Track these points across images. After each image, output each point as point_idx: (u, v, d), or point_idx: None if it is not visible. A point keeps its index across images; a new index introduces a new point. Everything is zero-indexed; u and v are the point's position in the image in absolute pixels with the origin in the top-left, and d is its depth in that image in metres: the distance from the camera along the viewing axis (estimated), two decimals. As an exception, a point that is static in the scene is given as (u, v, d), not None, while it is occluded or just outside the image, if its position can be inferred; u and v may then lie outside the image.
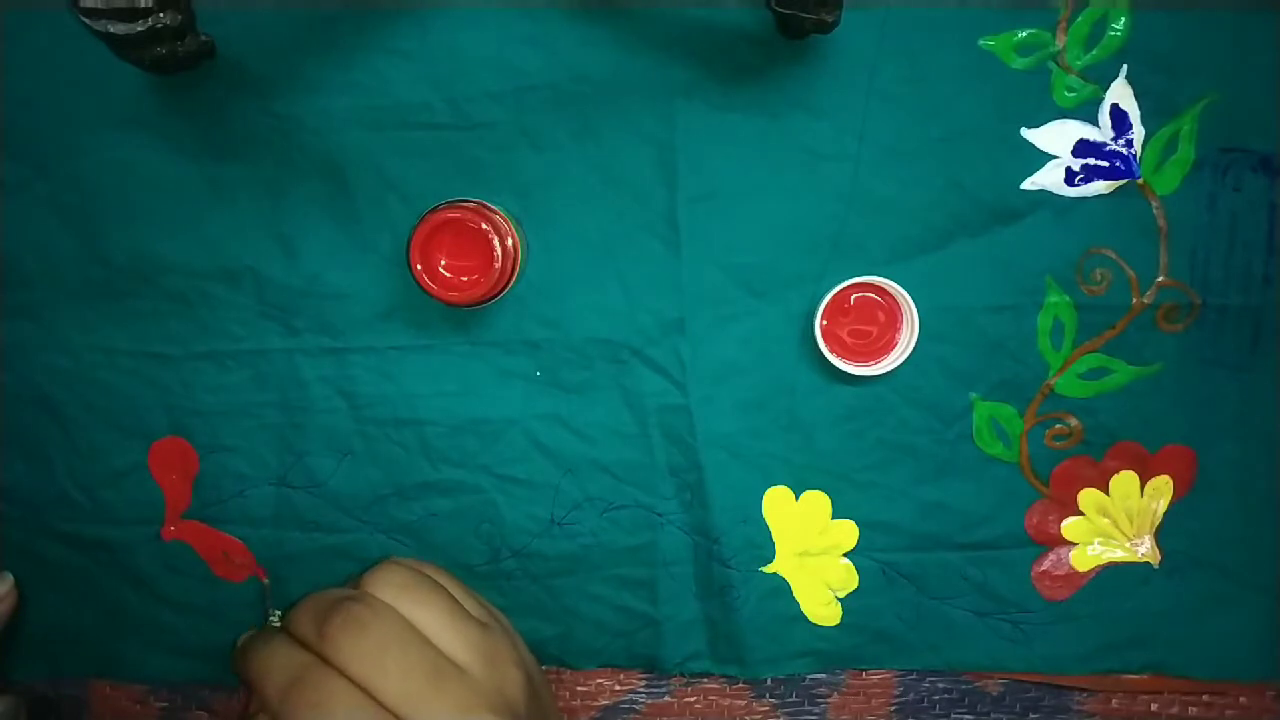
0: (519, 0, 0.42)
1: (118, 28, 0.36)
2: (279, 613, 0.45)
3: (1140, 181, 0.44)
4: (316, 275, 0.45)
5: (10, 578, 0.47)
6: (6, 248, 0.45)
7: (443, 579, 0.42)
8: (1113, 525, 0.47)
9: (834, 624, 0.47)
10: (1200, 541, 0.46)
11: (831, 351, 0.44)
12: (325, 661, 0.36)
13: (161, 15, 0.37)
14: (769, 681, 0.48)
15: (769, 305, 0.45)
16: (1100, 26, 0.42)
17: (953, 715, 0.48)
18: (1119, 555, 0.47)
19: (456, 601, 0.40)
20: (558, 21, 0.42)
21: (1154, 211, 0.44)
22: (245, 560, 0.47)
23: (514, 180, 0.44)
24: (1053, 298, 0.44)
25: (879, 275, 0.43)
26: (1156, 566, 0.47)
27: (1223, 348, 0.45)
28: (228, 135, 0.44)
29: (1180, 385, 0.45)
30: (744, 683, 0.48)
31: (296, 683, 0.36)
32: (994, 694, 0.48)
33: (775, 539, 0.47)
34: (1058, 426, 0.46)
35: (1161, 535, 0.47)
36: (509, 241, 0.41)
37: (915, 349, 0.43)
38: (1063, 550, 0.47)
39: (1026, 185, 0.44)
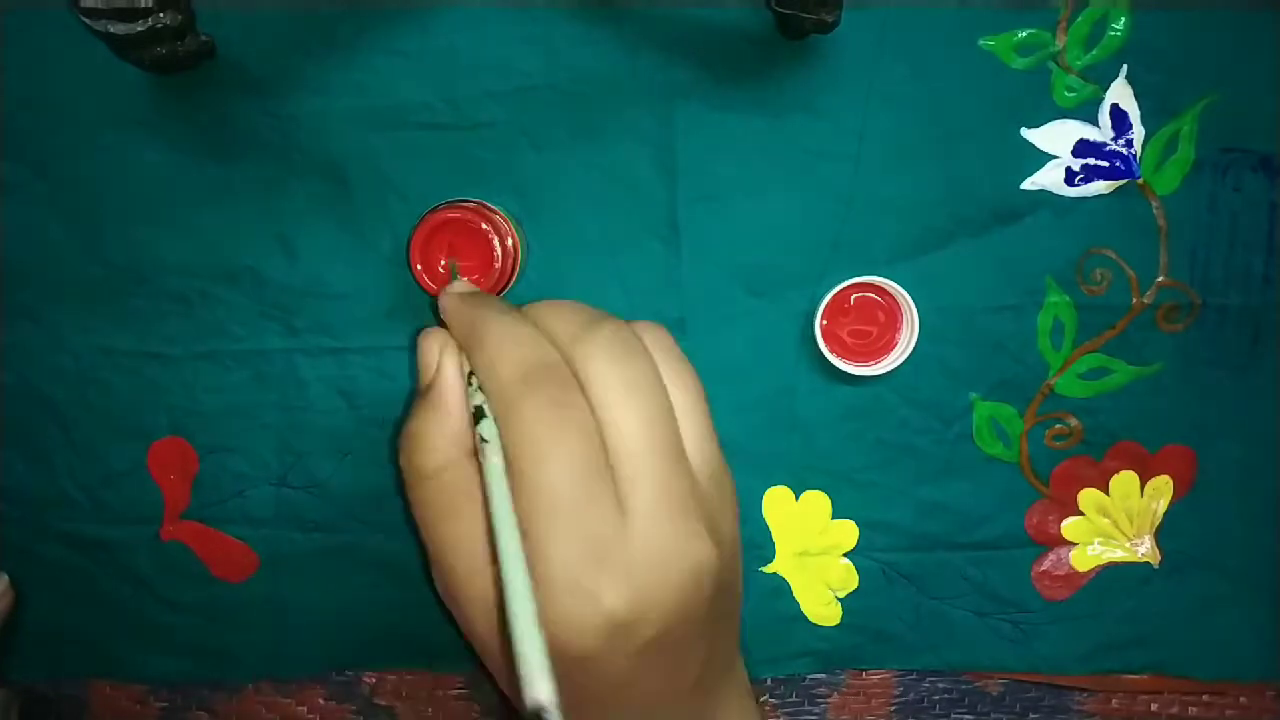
0: (519, 0, 0.42)
1: (118, 28, 0.36)
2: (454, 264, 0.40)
3: (1140, 181, 0.44)
4: (316, 275, 0.45)
5: (5, 577, 0.46)
6: (6, 248, 0.45)
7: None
8: (1113, 525, 0.47)
9: (834, 624, 0.47)
10: (1200, 541, 0.46)
11: (831, 351, 0.44)
12: (571, 366, 0.31)
13: (161, 15, 0.37)
14: (769, 681, 0.48)
15: (769, 305, 0.45)
16: (1100, 26, 0.42)
17: (953, 715, 0.48)
18: (1119, 555, 0.47)
19: (708, 406, 0.33)
20: (558, 21, 0.42)
21: (1154, 211, 0.44)
22: (246, 560, 0.47)
23: (514, 180, 0.44)
24: (1053, 298, 0.44)
25: (879, 275, 0.43)
26: (1156, 566, 0.47)
27: (1223, 348, 0.45)
28: (228, 135, 0.44)
29: (1180, 385, 0.45)
30: (744, 683, 0.48)
31: (545, 371, 0.30)
32: (994, 694, 0.48)
33: (775, 539, 0.47)
34: (1058, 426, 0.46)
35: (1161, 535, 0.47)
36: (509, 241, 0.41)
37: (915, 349, 0.43)
38: (1063, 550, 0.47)
39: (1026, 185, 0.44)
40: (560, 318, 0.32)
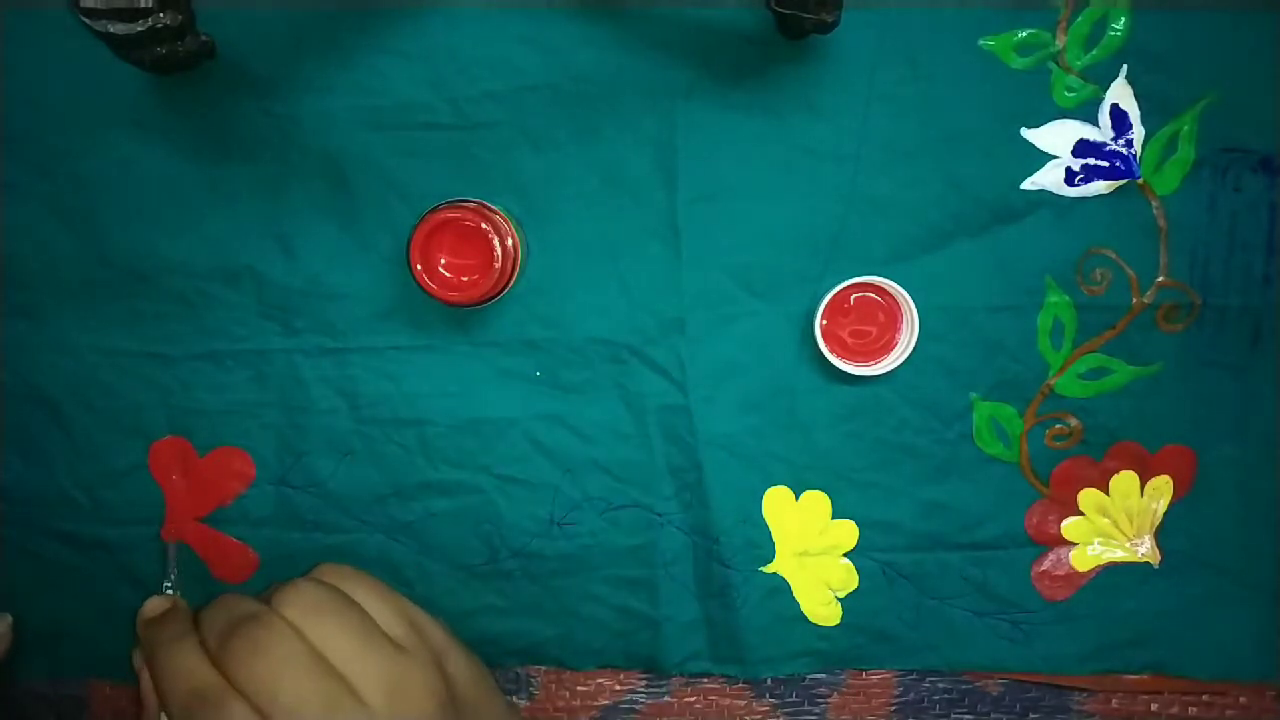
0: (519, 0, 0.42)
1: (118, 28, 0.36)
2: (171, 581, 0.46)
3: (1140, 181, 0.44)
4: (316, 275, 0.45)
5: (8, 618, 0.47)
6: (7, 248, 0.45)
7: (368, 595, 0.41)
8: (1113, 525, 0.47)
9: (834, 624, 0.47)
10: (1200, 541, 0.46)
11: (831, 351, 0.44)
12: (225, 677, 0.37)
13: (161, 15, 0.37)
14: (769, 681, 0.48)
15: (769, 305, 0.45)
16: (1100, 26, 0.42)
17: (953, 715, 0.48)
18: (1119, 555, 0.47)
19: (372, 624, 0.39)
20: (558, 21, 0.42)
21: (1154, 211, 0.44)
22: (246, 560, 0.47)
23: (514, 180, 0.44)
24: (1053, 298, 0.44)
25: (879, 275, 0.43)
26: (1156, 566, 0.47)
27: (1223, 348, 0.45)
28: (228, 135, 0.44)
29: (1180, 385, 0.45)
30: (744, 683, 0.48)
31: (198, 698, 0.36)
32: (994, 694, 0.48)
33: (775, 539, 0.47)
34: (1058, 426, 0.46)
35: (1161, 535, 0.47)
36: (509, 241, 0.41)
37: (915, 349, 0.43)
38: (1063, 550, 0.47)
39: (1026, 185, 0.44)
40: (211, 629, 0.38)
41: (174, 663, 0.38)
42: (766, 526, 0.46)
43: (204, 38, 0.41)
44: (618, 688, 0.49)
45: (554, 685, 0.48)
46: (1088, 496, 0.46)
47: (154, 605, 0.43)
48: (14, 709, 0.48)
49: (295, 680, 0.36)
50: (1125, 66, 0.43)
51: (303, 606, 0.38)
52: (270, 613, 0.38)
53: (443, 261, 0.41)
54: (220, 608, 0.39)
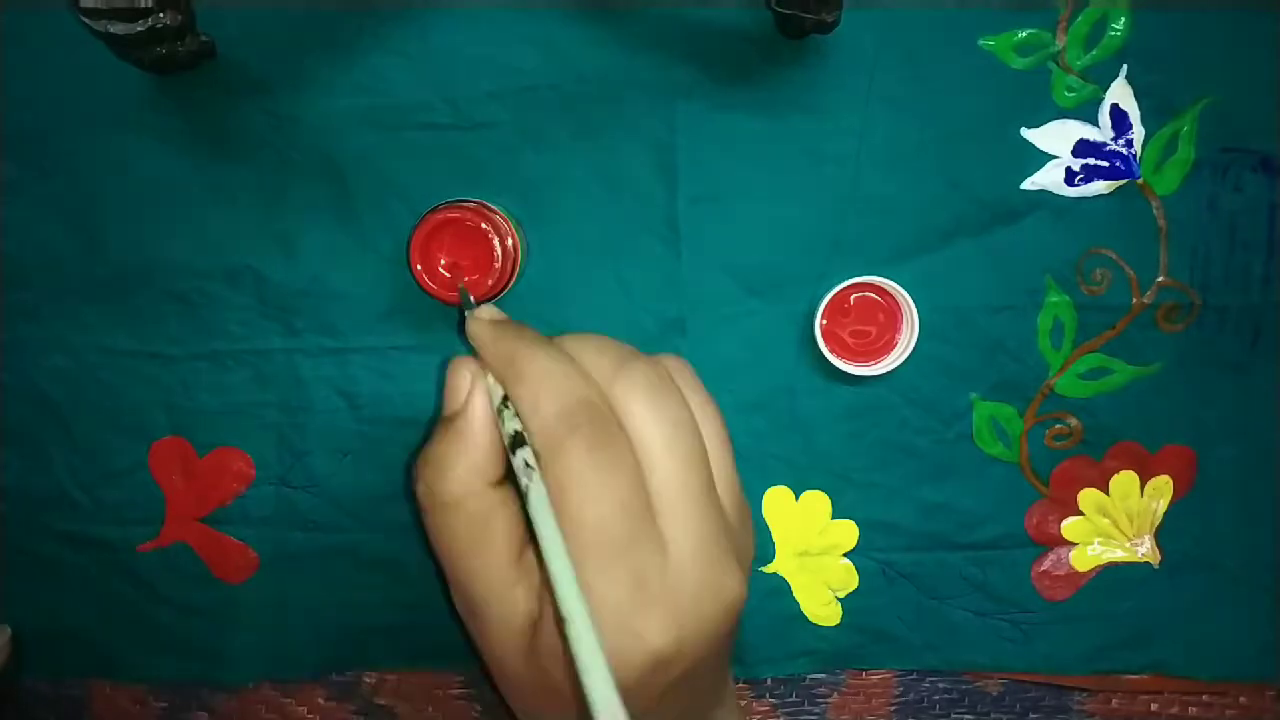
0: (519, 0, 0.42)
1: (118, 28, 0.36)
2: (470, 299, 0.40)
3: (1140, 181, 0.44)
4: (316, 275, 0.45)
5: (7, 630, 0.46)
6: (6, 248, 0.45)
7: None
8: (1113, 525, 0.47)
9: (834, 624, 0.47)
10: (1200, 541, 0.46)
11: (831, 351, 0.44)
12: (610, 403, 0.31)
13: (162, 15, 0.37)
14: (769, 681, 0.48)
15: (769, 305, 0.45)
16: (1100, 26, 0.42)
17: (953, 715, 0.48)
18: (1119, 555, 0.47)
19: (731, 444, 0.34)
20: (558, 21, 0.42)
21: (1154, 211, 0.44)
22: (246, 560, 0.47)
23: (514, 180, 0.44)
24: (1053, 298, 0.44)
25: (879, 275, 0.43)
26: (1156, 566, 0.47)
27: (1223, 348, 0.45)
28: (228, 135, 0.44)
29: (1180, 385, 0.45)
30: (744, 682, 0.48)
31: (588, 410, 0.30)
32: (994, 694, 0.48)
33: (775, 539, 0.47)
34: (1058, 426, 0.46)
35: (1161, 535, 0.47)
36: (509, 241, 0.41)
37: (915, 349, 0.43)
38: (1063, 550, 0.47)
39: (1026, 185, 0.44)
40: (595, 353, 0.32)
41: (556, 366, 0.31)
42: (766, 526, 0.46)
43: (204, 38, 0.41)
44: (618, 688, 0.49)
45: (554, 685, 0.48)
46: (1088, 496, 0.46)
47: (490, 310, 0.35)
48: (14, 709, 0.48)
49: (689, 443, 0.31)
50: (1125, 66, 0.43)
51: (689, 385, 0.33)
52: (659, 362, 0.33)
53: (443, 261, 0.41)
54: (591, 337, 0.34)
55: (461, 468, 0.31)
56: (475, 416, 0.32)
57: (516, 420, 0.31)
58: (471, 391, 0.32)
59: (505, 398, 0.32)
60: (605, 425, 0.30)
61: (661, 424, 0.31)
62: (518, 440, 0.31)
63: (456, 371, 0.33)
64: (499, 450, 0.32)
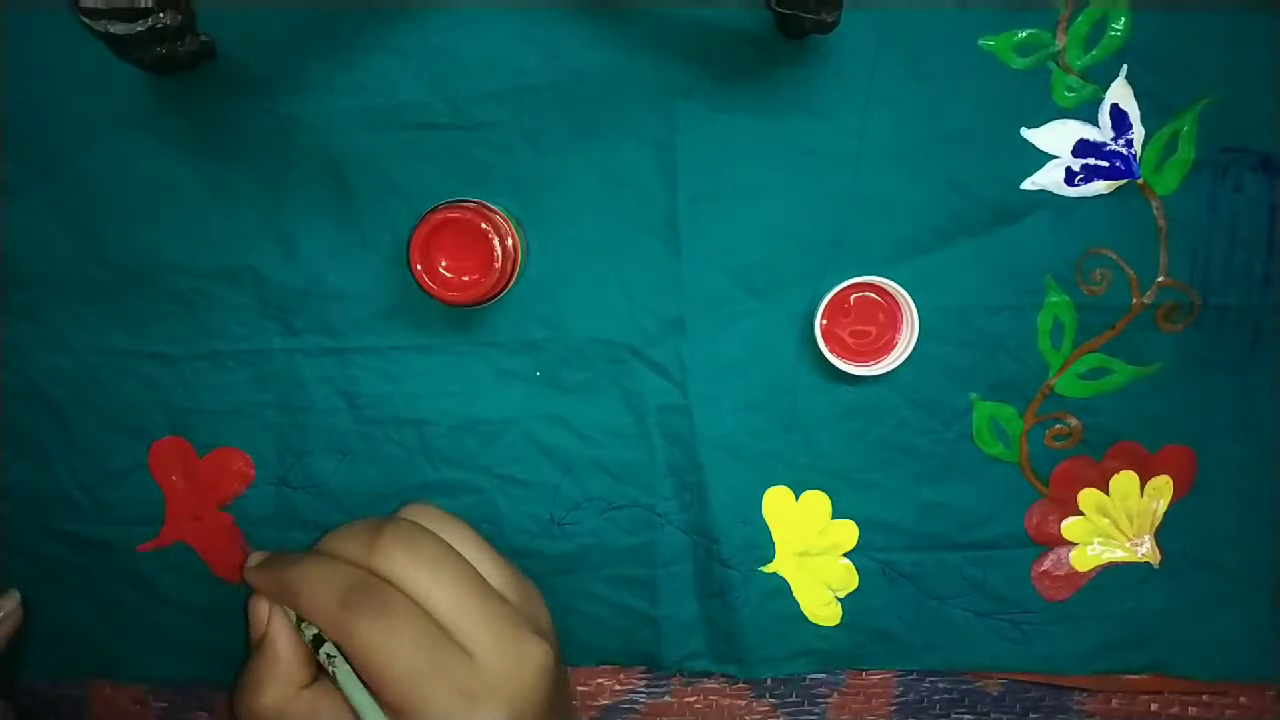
0: (519, 0, 0.42)
1: (118, 28, 0.36)
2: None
3: (1140, 181, 0.44)
4: (316, 275, 0.45)
5: (16, 595, 0.47)
6: (6, 248, 0.45)
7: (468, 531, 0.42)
8: (1113, 525, 0.47)
9: (834, 624, 0.47)
10: (1200, 541, 0.46)
11: (831, 351, 0.44)
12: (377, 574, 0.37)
13: (162, 15, 0.37)
14: (769, 681, 0.48)
15: (769, 305, 0.45)
16: (1100, 26, 0.42)
17: (953, 715, 0.48)
18: (1119, 555, 0.47)
19: (486, 542, 0.41)
20: (558, 21, 0.42)
21: (1154, 211, 0.44)
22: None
23: (514, 180, 0.44)
24: (1053, 298, 0.44)
25: (879, 275, 0.43)
26: (1156, 566, 0.47)
27: (1223, 348, 0.45)
28: (228, 135, 0.44)
29: (1180, 385, 0.45)
30: (744, 682, 0.48)
31: (357, 589, 0.36)
32: (994, 694, 0.48)
33: (775, 539, 0.47)
34: (1058, 426, 0.46)
35: (1161, 535, 0.47)
36: (509, 241, 0.41)
37: (915, 349, 0.43)
38: (1063, 550, 0.47)
39: (1026, 185, 0.44)
40: (347, 540, 0.38)
41: (314, 572, 0.37)
42: (766, 526, 0.46)
43: (204, 38, 0.41)
44: (618, 688, 0.49)
45: (554, 685, 0.48)
46: (1088, 496, 0.46)
47: (258, 554, 0.42)
48: (14, 709, 0.48)
49: (451, 567, 0.37)
50: (1125, 66, 0.43)
51: (430, 517, 0.40)
52: (401, 518, 0.39)
53: (443, 262, 0.41)
54: (344, 529, 0.39)
55: (276, 683, 0.38)
56: (277, 636, 0.38)
57: (311, 626, 0.38)
58: (270, 618, 0.39)
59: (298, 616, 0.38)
60: (375, 594, 0.36)
61: (420, 566, 0.36)
62: (318, 640, 0.37)
63: (255, 606, 0.39)
64: (305, 656, 0.38)
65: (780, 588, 0.47)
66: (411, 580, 0.36)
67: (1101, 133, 0.43)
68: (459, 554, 0.38)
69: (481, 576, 0.38)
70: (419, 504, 0.41)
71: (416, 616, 0.35)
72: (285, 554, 0.40)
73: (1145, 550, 0.47)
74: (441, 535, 0.39)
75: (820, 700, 0.48)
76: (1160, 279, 0.44)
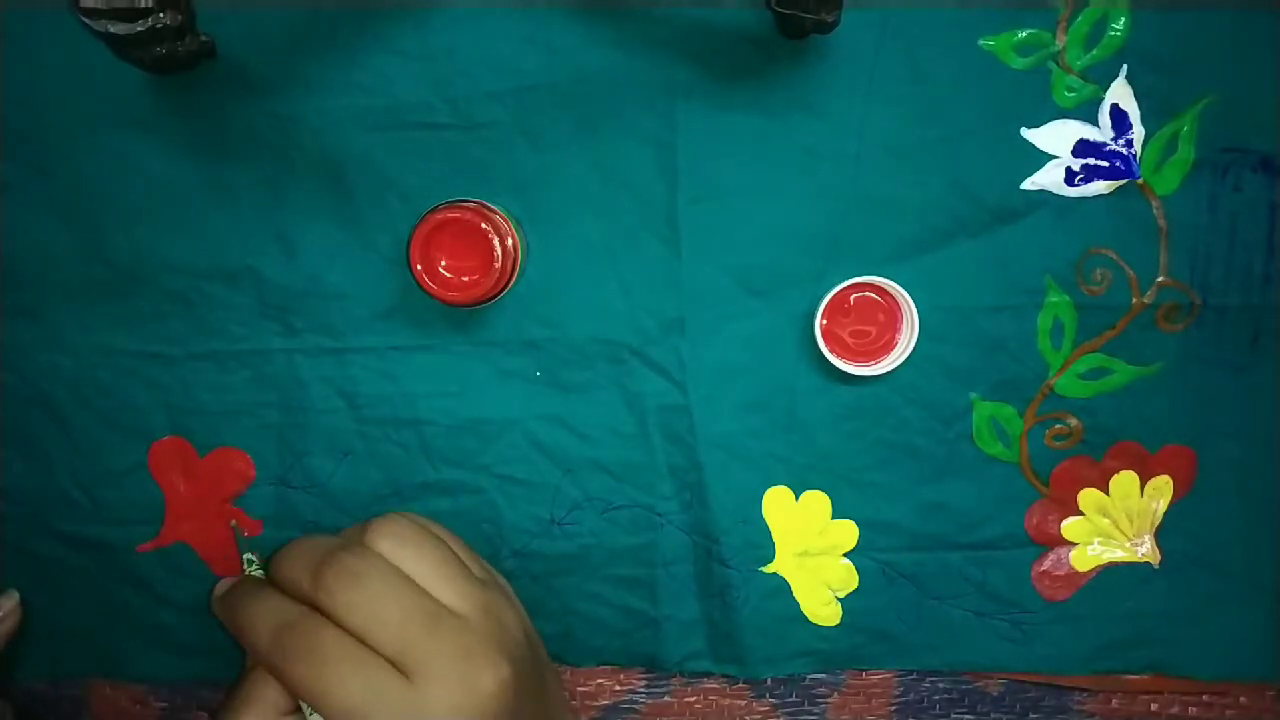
0: (519, 0, 0.42)
1: (118, 28, 0.36)
2: (252, 556, 0.43)
3: (1140, 181, 0.44)
4: (316, 275, 0.45)
5: (15, 595, 0.47)
6: (6, 248, 0.45)
7: (446, 536, 0.41)
8: (1113, 525, 0.47)
9: (834, 624, 0.47)
10: (1200, 541, 0.46)
11: (831, 351, 0.44)
12: (319, 610, 0.36)
13: (162, 15, 0.37)
14: (769, 681, 0.48)
15: (769, 305, 0.45)
16: (1100, 26, 0.42)
17: (953, 715, 0.48)
18: (1119, 555, 0.47)
19: (454, 555, 0.40)
20: (558, 21, 0.42)
21: (1154, 211, 0.44)
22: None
23: (514, 180, 0.44)
24: (1053, 298, 0.44)
25: (879, 275, 0.43)
26: (1156, 566, 0.47)
27: (1223, 348, 0.45)
28: (228, 135, 0.44)
29: (1180, 385, 0.45)
30: (744, 683, 0.48)
31: (288, 629, 0.36)
32: (994, 694, 0.48)
33: (775, 539, 0.47)
34: (1058, 426, 0.46)
35: (1161, 535, 0.47)
36: (509, 241, 0.41)
37: (915, 349, 0.43)
38: (1063, 550, 0.47)
39: (1026, 185, 0.44)
40: (294, 569, 0.37)
41: (251, 610, 0.37)
42: (766, 526, 0.46)
43: (204, 38, 0.41)
44: (618, 688, 0.49)
45: (554, 685, 0.48)
46: (1088, 496, 0.46)
47: (222, 584, 0.43)
48: (14, 709, 0.48)
49: (396, 601, 0.36)
50: (1125, 66, 0.43)
51: (391, 536, 0.38)
52: (356, 544, 0.38)
53: (443, 262, 0.41)
54: (297, 549, 0.39)
55: (258, 708, 0.37)
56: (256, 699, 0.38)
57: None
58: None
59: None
60: (305, 635, 0.36)
61: (362, 602, 0.36)
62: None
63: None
64: None
65: (780, 588, 0.47)
66: (353, 619, 0.36)
67: (1101, 133, 0.43)
68: (408, 581, 0.37)
69: (433, 601, 0.37)
70: (389, 518, 0.39)
71: (350, 654, 0.35)
72: (241, 584, 0.40)
73: (1145, 550, 0.47)
74: (403, 554, 0.38)
75: (820, 700, 0.48)
76: (1160, 279, 0.44)
